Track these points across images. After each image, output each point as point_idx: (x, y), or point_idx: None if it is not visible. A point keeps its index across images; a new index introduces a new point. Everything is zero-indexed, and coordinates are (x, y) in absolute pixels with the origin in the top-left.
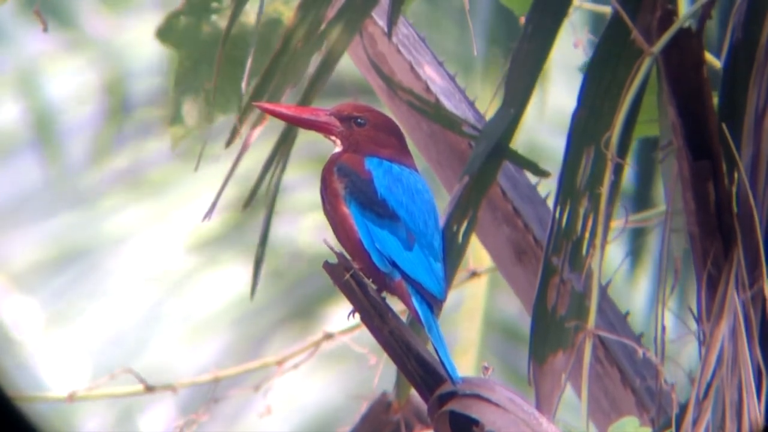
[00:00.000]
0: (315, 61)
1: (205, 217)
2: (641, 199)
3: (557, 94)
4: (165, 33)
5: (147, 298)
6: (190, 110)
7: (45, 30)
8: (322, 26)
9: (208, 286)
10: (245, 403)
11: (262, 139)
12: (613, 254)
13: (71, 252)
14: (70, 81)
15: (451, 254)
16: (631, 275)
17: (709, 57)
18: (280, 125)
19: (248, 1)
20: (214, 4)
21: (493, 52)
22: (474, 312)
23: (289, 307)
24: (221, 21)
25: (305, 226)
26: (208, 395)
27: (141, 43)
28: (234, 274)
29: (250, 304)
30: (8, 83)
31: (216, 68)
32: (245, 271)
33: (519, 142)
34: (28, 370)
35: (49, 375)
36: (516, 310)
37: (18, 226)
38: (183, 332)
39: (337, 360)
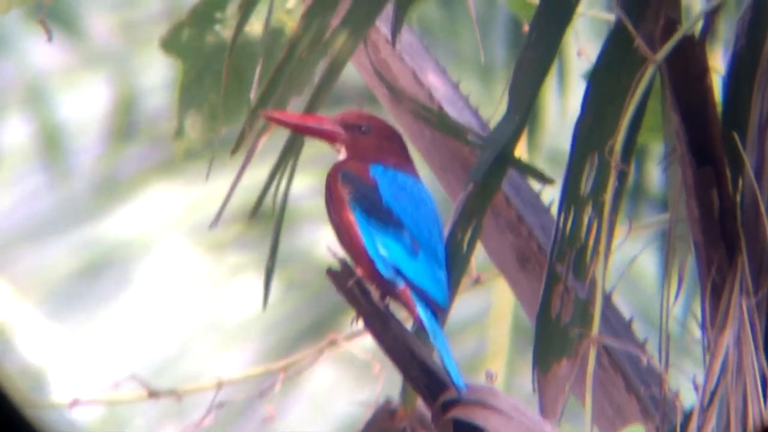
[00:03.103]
0: (318, 70)
1: (211, 226)
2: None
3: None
4: (169, 44)
5: (165, 312)
6: (193, 122)
7: (49, 39)
8: (327, 35)
9: (229, 298)
10: (249, 409)
11: (276, 148)
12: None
13: (86, 267)
14: (79, 97)
15: (456, 263)
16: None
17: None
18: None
19: (253, 11)
20: (218, 15)
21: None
22: (502, 317)
23: (312, 318)
24: (225, 31)
25: (326, 237)
26: (213, 402)
27: (152, 59)
28: (257, 286)
29: (272, 316)
30: (16, 100)
31: (224, 79)
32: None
33: (541, 148)
34: (46, 384)
35: (67, 390)
36: None
37: (31, 242)
38: (205, 345)
39: (342, 366)
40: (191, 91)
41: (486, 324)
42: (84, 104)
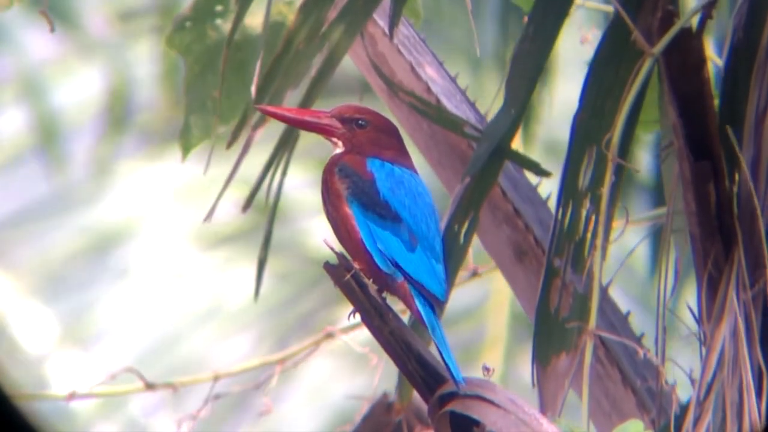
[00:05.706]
0: (315, 63)
1: (206, 219)
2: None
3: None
4: (173, 39)
5: (158, 302)
6: (197, 119)
7: (52, 30)
8: (324, 28)
9: (222, 288)
10: (245, 401)
11: (271, 140)
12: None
13: (79, 257)
14: (74, 87)
15: (453, 255)
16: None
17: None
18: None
19: (251, 3)
20: (219, 8)
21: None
22: (500, 306)
23: (304, 308)
24: (226, 26)
25: (315, 229)
26: (209, 393)
27: (145, 49)
28: (250, 275)
29: (265, 306)
30: (12, 89)
31: (221, 73)
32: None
33: (538, 137)
34: (43, 378)
35: (64, 382)
36: None
37: (25, 232)
38: (198, 334)
39: (338, 359)
40: (195, 89)
41: (484, 313)
42: (78, 94)
